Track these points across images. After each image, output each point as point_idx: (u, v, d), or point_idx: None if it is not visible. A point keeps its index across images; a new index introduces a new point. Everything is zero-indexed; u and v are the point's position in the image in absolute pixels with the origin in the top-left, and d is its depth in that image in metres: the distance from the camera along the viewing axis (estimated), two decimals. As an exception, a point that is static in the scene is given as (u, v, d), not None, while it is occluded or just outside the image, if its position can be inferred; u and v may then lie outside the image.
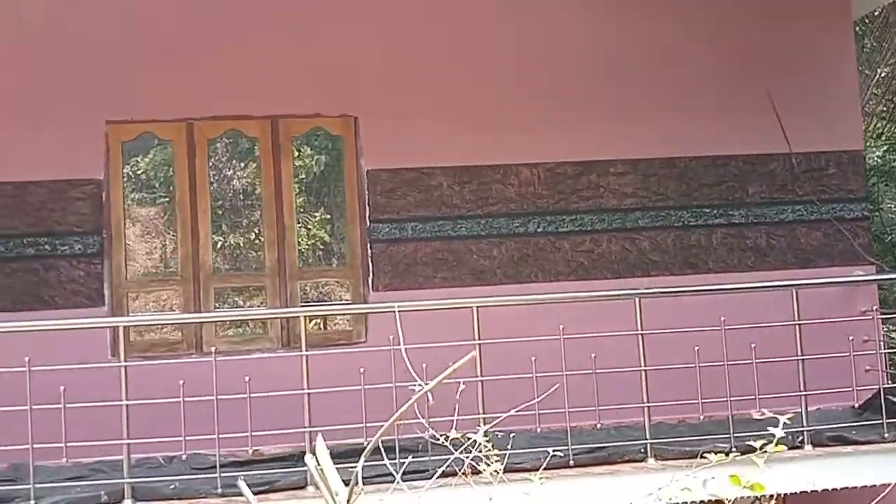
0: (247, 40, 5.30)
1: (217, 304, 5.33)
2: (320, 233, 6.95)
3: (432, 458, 3.33)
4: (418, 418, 4.21)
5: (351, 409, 4.23)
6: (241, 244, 5.97)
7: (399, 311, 3.66)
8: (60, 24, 5.17)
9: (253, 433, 4.19)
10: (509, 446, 2.81)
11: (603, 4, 5.56)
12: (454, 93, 5.45)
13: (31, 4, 5.18)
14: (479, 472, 2.42)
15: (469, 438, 2.29)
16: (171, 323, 4.97)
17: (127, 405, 4.13)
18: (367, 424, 4.21)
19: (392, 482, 3.86)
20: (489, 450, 2.14)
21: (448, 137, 5.42)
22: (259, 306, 5.78)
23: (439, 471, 2.34)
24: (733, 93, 5.74)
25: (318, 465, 1.28)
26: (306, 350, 4.28)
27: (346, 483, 3.12)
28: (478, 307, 4.35)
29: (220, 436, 4.18)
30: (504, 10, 5.53)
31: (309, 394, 4.26)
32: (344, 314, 5.16)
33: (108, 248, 5.15)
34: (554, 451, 3.15)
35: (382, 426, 2.03)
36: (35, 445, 4.02)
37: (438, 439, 2.37)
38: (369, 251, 5.34)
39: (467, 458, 2.27)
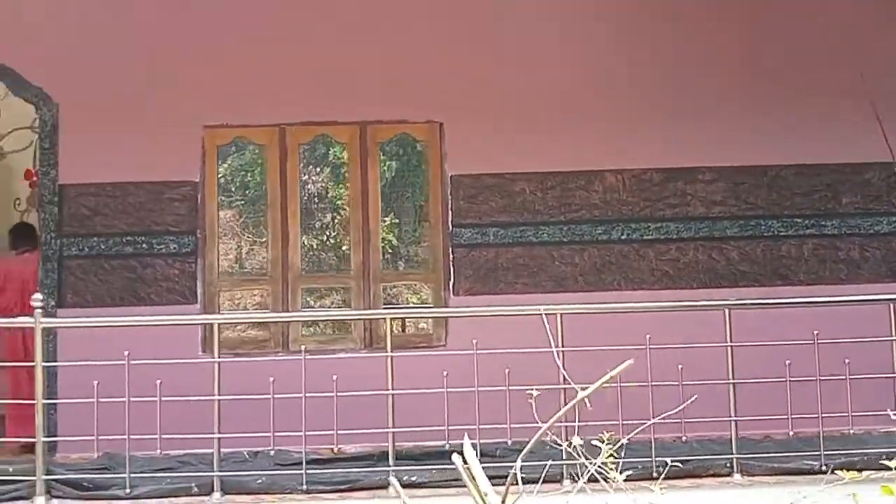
0: (337, 48, 5.43)
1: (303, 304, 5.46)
2: (389, 236, 7.06)
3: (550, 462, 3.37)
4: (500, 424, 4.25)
5: (427, 412, 4.28)
6: (315, 245, 6.11)
7: (546, 313, 3.71)
8: (162, 33, 5.41)
9: (333, 431, 4.28)
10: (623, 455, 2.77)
11: (692, 8, 5.47)
12: (538, 98, 5.45)
13: (134, 15, 5.43)
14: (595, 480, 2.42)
15: (592, 445, 2.30)
16: (274, 321, 5.13)
17: (219, 400, 4.29)
18: (450, 427, 4.27)
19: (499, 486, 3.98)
20: (611, 457, 2.14)
21: (531, 143, 5.43)
22: (330, 306, 5.90)
23: (585, 476, 2.33)
24: (827, 99, 5.54)
25: (466, 464, 1.31)
26: (391, 351, 4.35)
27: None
28: (562, 314, 4.33)
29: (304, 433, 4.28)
30: (591, 15, 5.50)
31: (394, 395, 4.33)
32: (433, 317, 5.20)
33: (201, 247, 5.35)
34: (672, 461, 3.12)
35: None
36: (128, 436, 4.21)
37: (561, 445, 2.38)
38: (451, 255, 5.39)
39: (591, 464, 2.26)
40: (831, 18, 5.62)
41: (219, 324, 4.36)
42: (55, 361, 5.12)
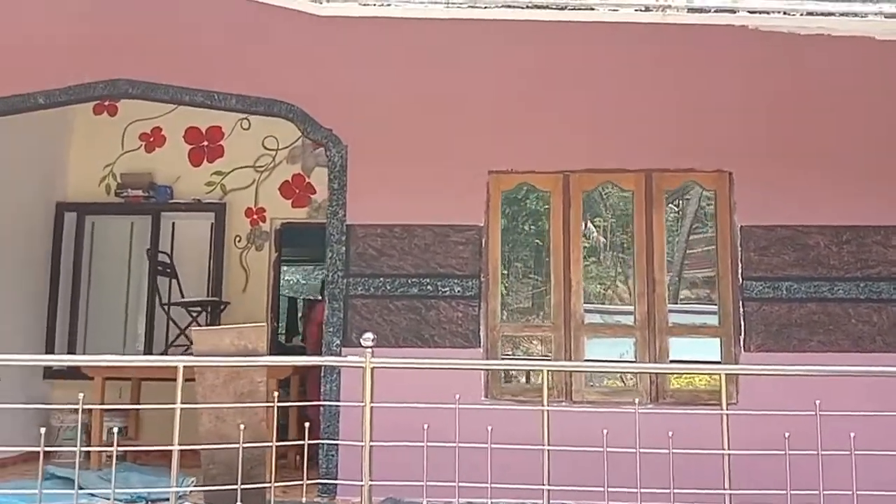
0: (623, 97, 5.41)
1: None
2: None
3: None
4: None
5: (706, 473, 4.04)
6: (602, 294, 6.01)
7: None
8: (449, 80, 5.49)
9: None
10: None
11: None
12: (831, 149, 5.29)
13: (420, 61, 5.52)
14: None
15: None
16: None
17: (548, 450, 4.17)
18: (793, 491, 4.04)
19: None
20: None
21: (825, 195, 5.26)
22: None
23: None
24: None
25: None
26: (726, 409, 4.16)
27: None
28: (909, 377, 4.10)
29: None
30: (886, 64, 5.33)
31: (729, 455, 4.14)
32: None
33: (485, 291, 5.31)
34: None
35: None
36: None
37: None
38: (741, 310, 5.22)
39: None
40: None
41: (547, 370, 4.24)
42: (339, 401, 5.14)
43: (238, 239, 7.96)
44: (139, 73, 5.61)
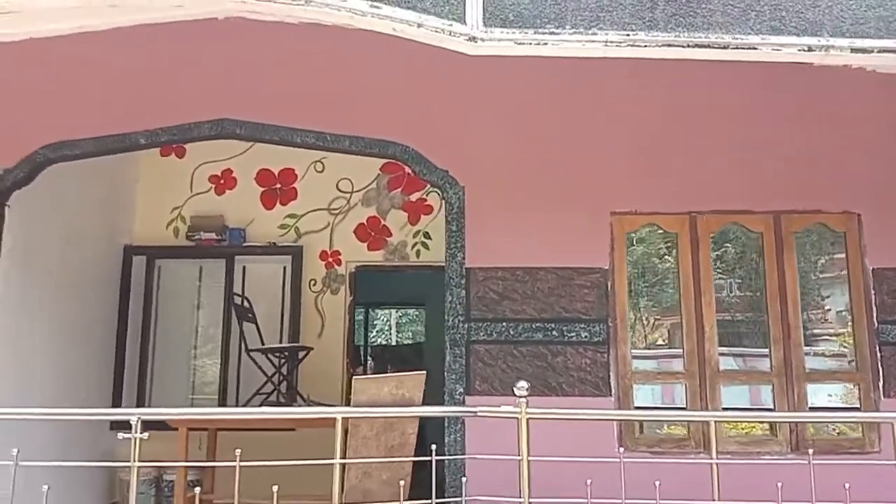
0: (748, 138, 5.32)
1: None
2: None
3: None
4: None
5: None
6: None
7: None
8: (569, 120, 5.39)
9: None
10: None
11: None
12: (960, 191, 5.23)
13: (539, 102, 5.42)
14: None
15: None
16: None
17: (719, 504, 3.96)
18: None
19: None
20: None
21: (956, 237, 5.17)
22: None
23: None
24: None
25: None
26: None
27: None
28: None
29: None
30: None
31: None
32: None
33: (613, 336, 5.13)
34: None
35: None
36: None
37: None
38: (878, 354, 5.07)
39: None
40: None
41: (715, 421, 4.04)
42: (465, 453, 4.91)
43: (313, 283, 7.78)
44: (247, 113, 5.47)
